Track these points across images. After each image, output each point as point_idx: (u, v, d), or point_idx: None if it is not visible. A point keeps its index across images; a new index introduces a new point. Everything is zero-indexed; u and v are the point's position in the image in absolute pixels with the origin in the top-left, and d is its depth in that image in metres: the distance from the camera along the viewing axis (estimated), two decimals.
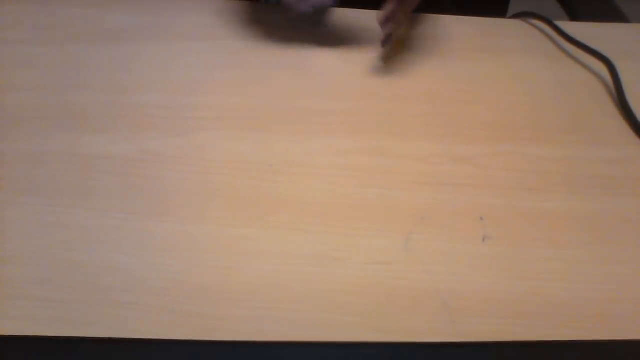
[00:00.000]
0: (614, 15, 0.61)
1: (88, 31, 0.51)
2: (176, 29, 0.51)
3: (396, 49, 0.50)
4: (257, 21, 0.53)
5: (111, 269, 0.33)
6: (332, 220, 0.37)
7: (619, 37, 0.54)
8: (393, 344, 0.31)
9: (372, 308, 0.32)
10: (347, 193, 0.38)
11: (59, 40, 0.50)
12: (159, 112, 0.43)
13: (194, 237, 0.35)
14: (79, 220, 0.36)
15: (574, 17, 0.63)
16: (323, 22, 0.47)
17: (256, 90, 0.46)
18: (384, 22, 0.46)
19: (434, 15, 0.55)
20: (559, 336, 0.31)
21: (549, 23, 0.54)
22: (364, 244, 0.35)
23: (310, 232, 0.36)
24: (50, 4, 0.53)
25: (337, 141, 0.42)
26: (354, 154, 0.41)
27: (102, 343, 0.30)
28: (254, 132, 0.42)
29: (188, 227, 0.36)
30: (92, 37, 0.50)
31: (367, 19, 0.53)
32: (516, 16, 0.58)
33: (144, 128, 0.42)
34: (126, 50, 0.49)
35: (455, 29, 0.53)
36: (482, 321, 0.32)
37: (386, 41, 0.47)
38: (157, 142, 0.41)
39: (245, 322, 0.31)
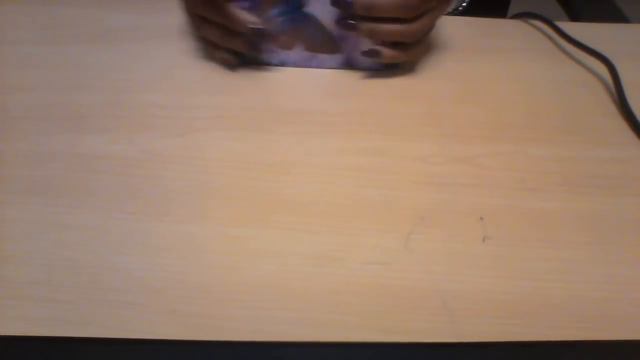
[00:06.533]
0: (614, 15, 0.61)
1: (88, 31, 0.51)
2: (176, 29, 0.51)
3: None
4: None
5: (111, 269, 0.33)
6: (332, 220, 0.37)
7: (619, 37, 0.54)
8: (393, 344, 0.31)
9: (372, 308, 0.32)
10: (347, 193, 0.38)
11: (59, 40, 0.50)
12: (159, 112, 0.43)
13: (194, 237, 0.35)
14: (79, 220, 0.36)
15: (574, 17, 0.63)
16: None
17: (256, 90, 0.46)
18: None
19: None
20: (559, 336, 0.31)
21: (549, 23, 0.54)
22: (364, 244, 0.35)
23: (310, 232, 0.36)
24: (50, 4, 0.53)
25: (337, 141, 0.42)
26: (354, 154, 0.41)
27: (102, 343, 0.30)
28: (254, 132, 0.42)
29: (188, 227, 0.36)
30: (92, 37, 0.50)
31: None
32: (516, 16, 0.58)
33: (144, 128, 0.42)
34: (126, 50, 0.49)
35: (455, 29, 0.53)
36: (482, 321, 0.32)
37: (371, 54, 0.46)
38: (157, 142, 0.41)
39: (245, 322, 0.31)
